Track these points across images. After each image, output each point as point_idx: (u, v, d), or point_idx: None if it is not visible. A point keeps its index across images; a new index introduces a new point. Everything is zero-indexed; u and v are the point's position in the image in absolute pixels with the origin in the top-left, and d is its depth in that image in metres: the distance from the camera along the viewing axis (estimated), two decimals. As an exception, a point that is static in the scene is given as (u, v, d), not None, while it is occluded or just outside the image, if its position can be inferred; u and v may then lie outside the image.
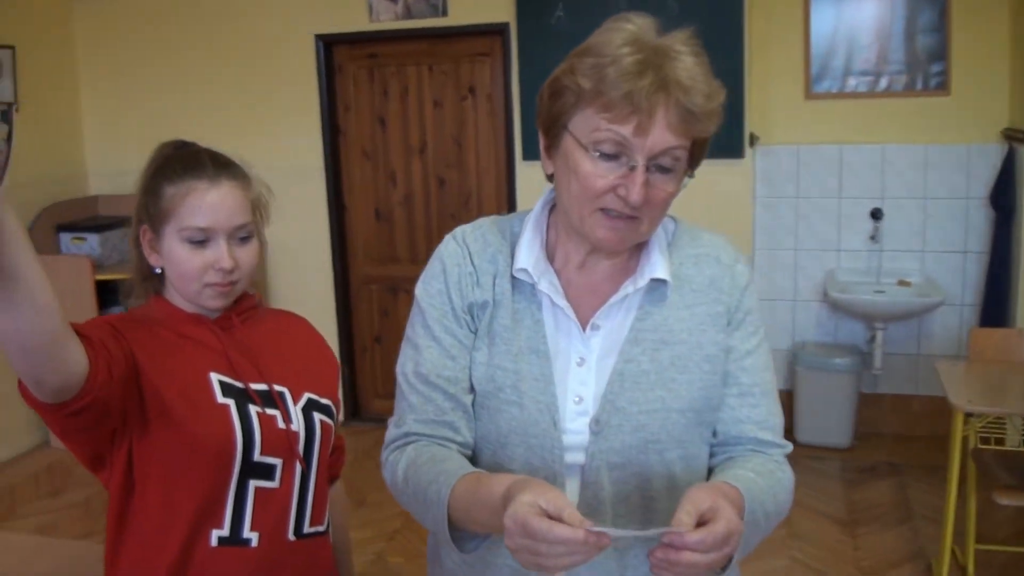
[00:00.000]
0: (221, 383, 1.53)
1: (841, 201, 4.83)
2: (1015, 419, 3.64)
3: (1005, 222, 4.47)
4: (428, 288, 1.40)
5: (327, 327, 5.14)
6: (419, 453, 1.32)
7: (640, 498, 1.31)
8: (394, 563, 3.83)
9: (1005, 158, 4.47)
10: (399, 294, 5.25)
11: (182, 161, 1.56)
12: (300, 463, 1.58)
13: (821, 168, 4.83)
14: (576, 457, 1.31)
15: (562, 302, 1.34)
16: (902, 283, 4.73)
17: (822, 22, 4.69)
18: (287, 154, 5.07)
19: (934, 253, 4.77)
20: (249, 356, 1.60)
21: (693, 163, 1.30)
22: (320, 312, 5.14)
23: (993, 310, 4.52)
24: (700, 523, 1.07)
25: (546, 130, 1.32)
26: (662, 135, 1.21)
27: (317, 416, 1.64)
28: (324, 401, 1.67)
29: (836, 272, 4.87)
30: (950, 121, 4.60)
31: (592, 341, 1.33)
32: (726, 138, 4.40)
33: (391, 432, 1.39)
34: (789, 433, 4.78)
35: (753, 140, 4.62)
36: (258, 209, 1.61)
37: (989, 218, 4.64)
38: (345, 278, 5.28)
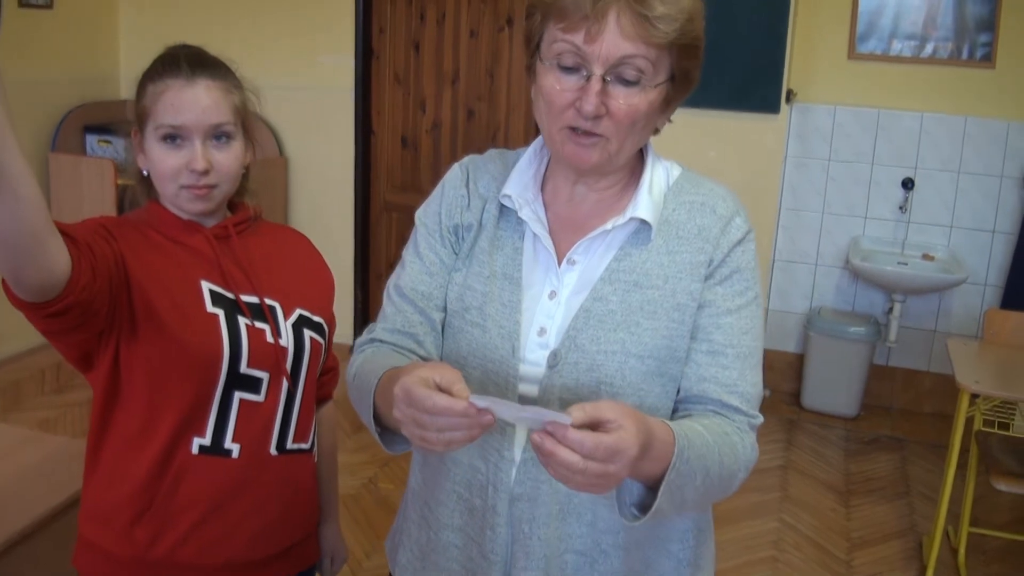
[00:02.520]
0: (212, 292, 1.53)
1: (873, 167, 4.76)
2: (1024, 405, 3.61)
3: None
4: (426, 209, 1.44)
5: (344, 250, 5.17)
6: (374, 353, 1.36)
7: None
8: (384, 489, 3.87)
9: None
10: None
11: (163, 60, 1.54)
12: (287, 379, 1.58)
13: (857, 131, 4.75)
14: (530, 389, 1.30)
15: (540, 231, 1.33)
16: (926, 257, 4.67)
17: None
18: (318, 72, 5.05)
19: (962, 229, 4.71)
20: (242, 268, 1.59)
21: (676, 92, 1.28)
22: (338, 235, 5.18)
23: (1016, 293, 4.47)
24: (594, 428, 1.04)
25: (528, 55, 1.30)
26: (614, 41, 1.18)
27: (308, 333, 1.63)
28: (316, 319, 1.66)
29: (860, 239, 4.81)
30: (992, 95, 4.50)
31: (567, 276, 1.32)
32: (762, 92, 4.33)
33: (361, 337, 1.42)
34: (795, 397, 4.91)
35: (790, 96, 4.52)
36: (242, 112, 1.57)
37: (1022, 199, 4.57)
38: (366, 202, 5.26)
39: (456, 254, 1.39)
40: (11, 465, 2.01)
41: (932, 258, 4.66)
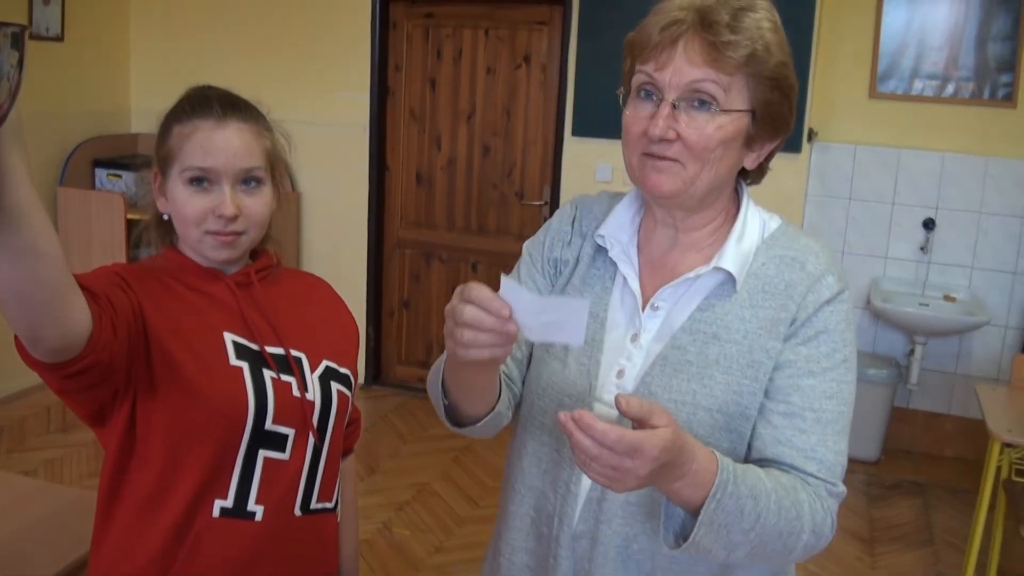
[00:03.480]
0: (235, 344, 1.45)
1: (894, 207, 4.72)
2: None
3: None
4: (532, 240, 1.50)
5: (356, 287, 5.13)
6: None
7: (648, 491, 1.23)
8: (399, 535, 3.78)
9: None
10: (432, 260, 5.19)
11: (191, 100, 1.47)
12: (314, 435, 1.50)
13: (878, 171, 4.71)
14: None
15: (629, 272, 1.35)
16: (948, 298, 4.60)
17: (895, 19, 4.55)
18: (334, 109, 5.04)
19: (983, 271, 4.64)
20: (266, 317, 1.51)
21: (760, 129, 1.27)
22: (351, 271, 5.14)
23: None
24: (640, 425, 1.06)
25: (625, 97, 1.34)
26: (682, 68, 1.22)
27: (335, 386, 1.55)
28: (343, 370, 1.58)
29: (881, 280, 4.76)
30: (1015, 135, 4.46)
31: (650, 321, 1.32)
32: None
33: None
34: None
35: (811, 135, 4.50)
36: (272, 157, 1.50)
37: None
38: (379, 239, 5.23)
39: (552, 286, 1.44)
40: (14, 523, 1.91)
41: (953, 299, 4.59)
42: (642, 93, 1.26)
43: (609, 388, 1.30)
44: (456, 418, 1.35)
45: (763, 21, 1.23)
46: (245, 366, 1.43)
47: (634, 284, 1.33)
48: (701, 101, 1.22)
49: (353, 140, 5.05)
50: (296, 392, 1.48)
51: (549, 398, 1.35)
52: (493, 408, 1.32)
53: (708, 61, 1.21)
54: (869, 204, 4.74)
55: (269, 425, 1.43)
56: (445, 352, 1.25)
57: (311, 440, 1.50)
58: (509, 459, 1.47)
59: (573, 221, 1.45)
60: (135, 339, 1.33)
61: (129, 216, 4.57)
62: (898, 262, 4.76)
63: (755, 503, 1.14)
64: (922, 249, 4.68)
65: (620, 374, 1.31)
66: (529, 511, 1.40)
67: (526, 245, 1.50)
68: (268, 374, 1.45)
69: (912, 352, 4.64)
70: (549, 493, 1.36)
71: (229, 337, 1.45)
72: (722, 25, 1.20)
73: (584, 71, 4.57)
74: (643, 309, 1.32)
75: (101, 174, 4.91)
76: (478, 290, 1.07)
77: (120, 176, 4.86)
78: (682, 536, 1.16)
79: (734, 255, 1.30)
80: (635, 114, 1.27)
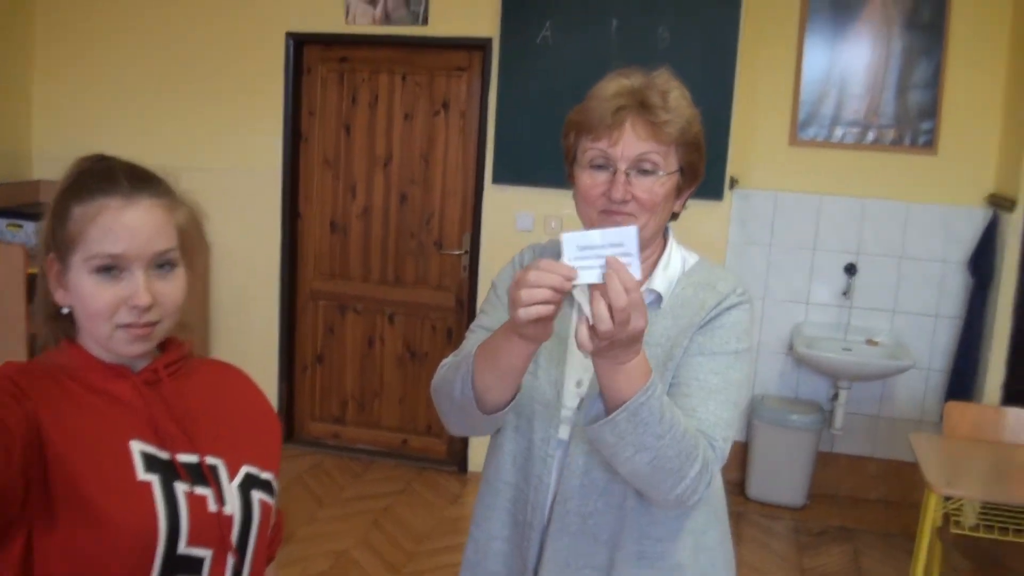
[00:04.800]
0: (144, 454, 1.26)
1: (816, 252, 4.73)
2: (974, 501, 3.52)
3: (981, 289, 4.40)
4: (500, 274, 1.76)
5: (268, 341, 4.96)
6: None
7: (602, 472, 1.56)
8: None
9: (988, 224, 4.40)
10: (347, 312, 5.01)
11: (93, 176, 1.29)
12: (233, 555, 1.32)
13: (798, 217, 4.73)
14: (565, 430, 1.60)
15: (582, 299, 1.44)
16: (871, 342, 4.63)
17: (815, 67, 4.58)
18: (245, 155, 4.88)
19: (905, 314, 4.69)
20: (178, 419, 1.32)
21: (686, 182, 1.59)
22: (262, 324, 4.96)
23: (961, 379, 4.45)
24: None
25: (568, 165, 1.63)
26: (632, 143, 1.52)
27: (256, 495, 1.37)
28: (265, 475, 1.40)
29: (803, 325, 4.76)
30: (934, 181, 4.53)
31: None
32: (706, 178, 4.21)
33: (446, 359, 1.66)
34: (740, 487, 4.77)
35: (733, 183, 4.49)
36: (185, 234, 1.34)
37: (965, 284, 4.57)
38: (292, 290, 5.03)
39: None
40: None
41: (876, 343, 4.61)
42: (595, 163, 1.54)
43: (570, 396, 1.60)
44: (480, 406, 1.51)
45: (682, 99, 1.55)
46: (155, 480, 1.25)
47: (587, 309, 1.37)
48: (646, 168, 1.53)
49: (265, 187, 4.88)
50: (213, 506, 1.29)
51: (523, 405, 1.59)
52: (517, 392, 1.49)
53: (650, 136, 1.52)
54: (790, 249, 4.75)
55: (183, 549, 1.25)
56: (467, 345, 1.60)
57: (230, 561, 1.32)
58: (487, 460, 1.72)
59: (536, 255, 1.72)
60: (31, 460, 1.14)
61: (31, 270, 4.28)
62: (820, 307, 4.76)
63: (672, 415, 1.38)
64: (844, 294, 4.69)
65: (579, 384, 1.60)
66: (506, 503, 1.67)
67: (494, 280, 1.75)
68: (181, 488, 1.27)
69: (836, 397, 4.64)
70: (523, 486, 1.63)
71: (137, 447, 1.26)
72: (658, 107, 1.51)
73: (504, 118, 4.50)
74: None
75: (0, 224, 4.62)
76: (544, 261, 1.30)
77: (21, 226, 4.57)
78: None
79: (662, 279, 1.61)
80: (593, 182, 1.55)
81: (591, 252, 1.28)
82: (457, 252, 4.82)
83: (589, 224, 1.55)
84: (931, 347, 4.66)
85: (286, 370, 5.02)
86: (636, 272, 1.26)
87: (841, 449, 4.83)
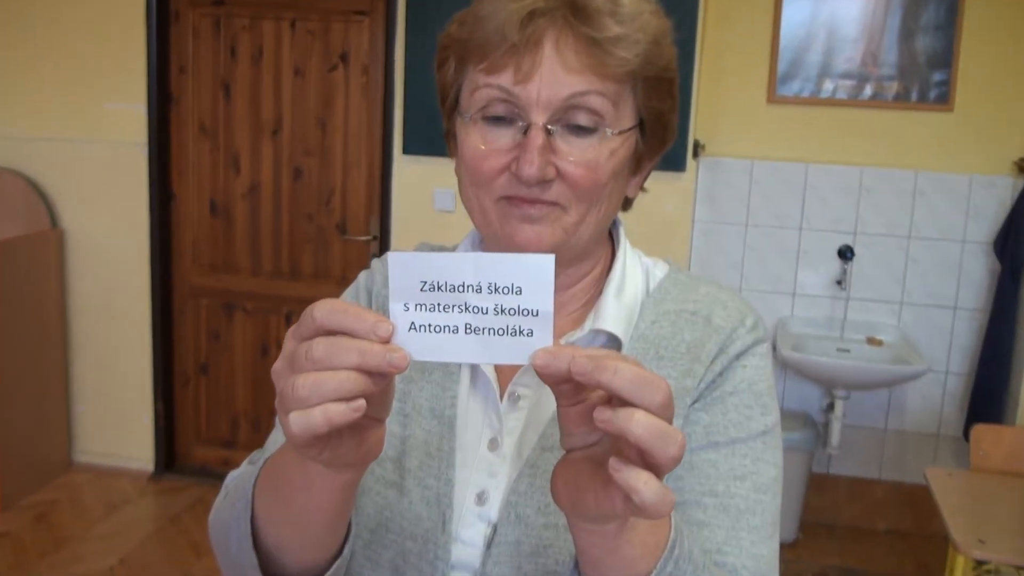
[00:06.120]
0: None
1: (802, 233, 4.31)
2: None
3: (1012, 275, 3.96)
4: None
5: (139, 349, 4.53)
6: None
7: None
8: None
9: (1018, 196, 3.94)
10: (235, 313, 4.46)
11: None
12: None
13: (780, 191, 4.29)
14: None
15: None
16: (872, 341, 4.15)
17: (798, 7, 4.12)
18: (101, 123, 4.40)
19: (915, 307, 4.27)
20: None
21: (649, 145, 1.03)
22: (131, 329, 4.53)
23: (989, 384, 4.04)
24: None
25: (445, 117, 1.06)
26: (556, 77, 0.93)
27: None
28: None
29: (789, 322, 4.32)
30: (950, 144, 4.12)
31: (510, 416, 1.04)
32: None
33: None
34: None
35: (698, 150, 4.06)
36: None
37: (990, 269, 4.13)
38: (167, 288, 4.50)
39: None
40: None
41: (879, 343, 4.15)
42: (493, 112, 0.96)
43: (468, 520, 1.01)
44: None
45: (643, 3, 0.98)
46: None
47: (487, 367, 1.04)
48: (583, 123, 0.96)
49: (129, 162, 4.37)
50: None
51: (384, 544, 1.01)
52: (344, 545, 0.91)
53: (591, 66, 0.94)
54: (771, 230, 4.34)
55: None
56: (269, 444, 1.06)
57: None
58: None
59: (371, 294, 1.14)
60: None
61: None
62: (809, 299, 4.36)
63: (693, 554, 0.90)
64: (838, 283, 4.27)
65: (481, 498, 1.01)
66: (394, 558, 1.07)
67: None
68: None
69: (831, 408, 4.19)
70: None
71: None
72: (604, 13, 0.93)
73: (415, 74, 4.01)
74: (501, 401, 1.04)
75: None
76: (329, 303, 0.73)
77: None
78: None
79: (615, 313, 1.05)
80: (485, 144, 0.97)
81: (450, 297, 0.74)
82: (364, 238, 4.31)
83: (482, 219, 1.03)
84: (948, 346, 4.25)
85: (163, 385, 4.52)
86: (547, 338, 0.73)
87: (839, 471, 4.45)
